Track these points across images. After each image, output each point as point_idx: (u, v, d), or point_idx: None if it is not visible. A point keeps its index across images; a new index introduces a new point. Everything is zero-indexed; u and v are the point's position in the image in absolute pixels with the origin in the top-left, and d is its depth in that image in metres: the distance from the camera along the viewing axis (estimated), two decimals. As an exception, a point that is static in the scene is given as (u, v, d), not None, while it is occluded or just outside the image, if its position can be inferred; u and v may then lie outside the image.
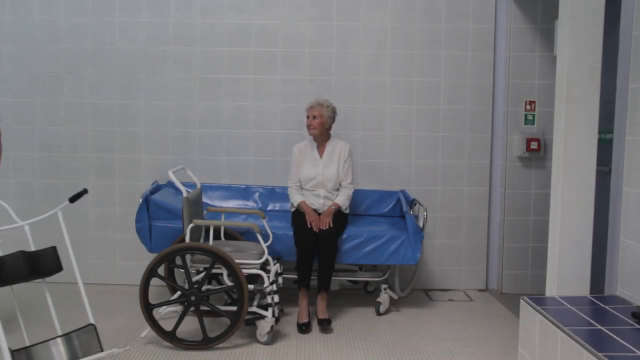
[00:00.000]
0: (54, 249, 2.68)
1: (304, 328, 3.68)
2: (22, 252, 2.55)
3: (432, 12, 4.55)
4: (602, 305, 2.67)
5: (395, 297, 4.15)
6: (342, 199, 4.05)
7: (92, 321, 2.66)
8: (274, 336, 3.56)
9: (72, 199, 2.82)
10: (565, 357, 2.30)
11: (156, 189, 4.23)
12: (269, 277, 3.53)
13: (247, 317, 3.43)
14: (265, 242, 3.68)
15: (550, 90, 4.26)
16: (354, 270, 4.20)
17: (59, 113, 4.59)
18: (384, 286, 4.08)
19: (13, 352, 2.39)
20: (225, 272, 3.43)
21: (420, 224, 3.99)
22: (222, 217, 4.00)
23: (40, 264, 2.62)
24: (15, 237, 2.89)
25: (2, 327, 2.37)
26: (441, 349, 3.46)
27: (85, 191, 2.88)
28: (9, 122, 4.55)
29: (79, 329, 2.62)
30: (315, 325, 3.76)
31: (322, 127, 4.06)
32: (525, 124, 4.55)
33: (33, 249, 2.68)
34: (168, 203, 4.03)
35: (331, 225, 3.84)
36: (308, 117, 4.05)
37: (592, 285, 2.89)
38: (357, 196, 4.42)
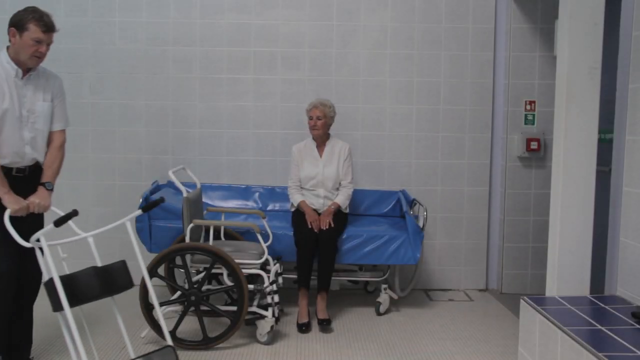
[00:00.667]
0: (123, 263, 2.56)
1: (303, 328, 3.68)
2: (94, 268, 2.45)
3: (432, 12, 4.55)
4: (602, 305, 2.67)
5: (395, 297, 4.15)
6: (342, 199, 4.05)
7: (170, 343, 2.58)
8: (274, 336, 3.56)
9: (145, 209, 2.71)
10: (565, 357, 2.30)
11: (156, 189, 4.23)
12: (269, 277, 3.53)
13: (247, 317, 3.43)
14: (265, 242, 3.68)
15: (550, 90, 4.26)
16: (354, 270, 4.20)
17: (59, 113, 4.58)
18: (384, 286, 4.08)
19: None
20: (225, 272, 3.43)
21: (420, 224, 3.99)
22: (222, 217, 4.00)
23: (112, 280, 2.49)
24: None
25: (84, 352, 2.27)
26: (441, 349, 3.46)
27: (162, 200, 2.75)
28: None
29: (157, 350, 2.53)
30: (315, 325, 3.76)
31: (325, 128, 4.08)
32: (525, 124, 4.55)
33: (99, 261, 2.56)
34: (168, 203, 4.02)
35: (332, 225, 3.84)
36: (312, 117, 4.05)
37: (592, 285, 2.89)
38: (357, 196, 4.42)
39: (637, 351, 2.10)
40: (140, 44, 4.55)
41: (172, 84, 4.59)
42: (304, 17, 4.55)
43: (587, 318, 2.49)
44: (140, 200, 3.96)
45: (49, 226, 2.40)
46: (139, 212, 2.70)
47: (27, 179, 2.89)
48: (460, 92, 4.59)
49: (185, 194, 3.53)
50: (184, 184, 3.71)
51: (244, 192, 4.56)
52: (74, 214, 2.50)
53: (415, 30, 4.56)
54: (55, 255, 2.45)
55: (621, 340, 2.21)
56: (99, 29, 4.53)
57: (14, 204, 2.72)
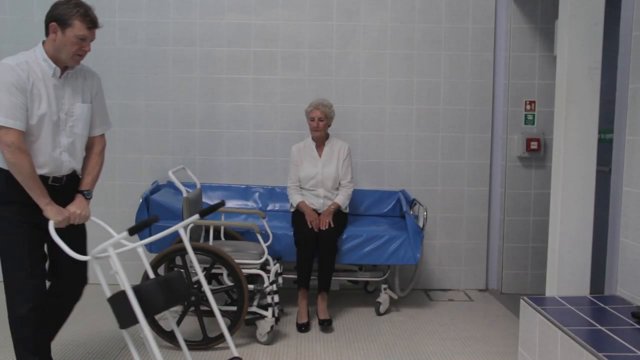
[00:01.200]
0: (180, 273, 2.48)
1: (303, 328, 3.68)
2: (156, 279, 2.33)
3: (432, 12, 4.55)
4: (602, 305, 2.67)
5: (395, 297, 4.15)
6: (342, 199, 4.05)
7: (236, 354, 2.51)
8: (274, 336, 3.56)
9: (203, 213, 2.60)
10: (565, 357, 2.30)
11: (156, 189, 4.23)
12: (269, 277, 3.53)
13: (247, 317, 3.43)
14: (265, 242, 3.68)
15: (550, 90, 4.26)
16: (354, 270, 4.20)
17: (59, 113, 4.58)
18: (384, 286, 4.08)
19: None
20: (225, 272, 3.43)
21: (420, 224, 3.99)
22: (222, 217, 4.00)
23: (173, 291, 2.37)
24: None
25: None
26: (441, 349, 3.46)
27: (222, 203, 2.65)
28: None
29: None
30: (315, 325, 3.77)
31: (326, 128, 4.08)
32: (525, 124, 4.55)
33: (151, 272, 2.48)
34: (168, 203, 4.03)
35: (332, 225, 3.84)
36: (313, 119, 4.04)
37: (592, 285, 2.89)
38: (357, 196, 4.42)
39: (637, 351, 2.10)
40: (140, 44, 4.55)
41: (172, 84, 4.58)
42: (304, 17, 4.55)
43: (587, 318, 2.49)
44: (140, 200, 3.97)
45: (122, 234, 2.22)
46: (197, 216, 2.65)
47: (64, 188, 2.62)
48: (460, 92, 4.59)
49: (185, 194, 3.53)
50: (184, 184, 3.71)
51: (244, 192, 4.56)
52: (153, 220, 2.33)
53: (415, 30, 4.56)
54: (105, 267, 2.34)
55: (621, 340, 2.21)
56: (99, 29, 4.52)
57: (57, 215, 2.49)
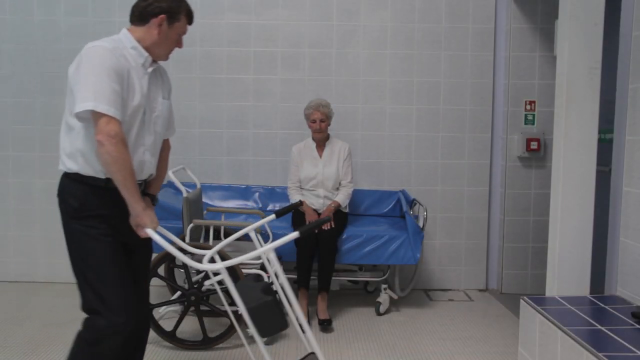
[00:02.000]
0: (260, 276, 2.37)
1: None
2: (267, 284, 2.18)
3: (432, 12, 4.55)
4: (602, 305, 2.67)
5: (395, 297, 4.15)
6: (342, 198, 4.05)
7: (310, 350, 2.46)
8: (274, 336, 3.56)
9: (279, 213, 2.49)
10: (565, 357, 2.30)
11: (156, 189, 4.23)
12: (268, 277, 3.53)
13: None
14: (265, 242, 3.68)
15: (550, 90, 4.27)
16: (354, 270, 4.20)
17: (59, 113, 4.57)
18: (384, 286, 4.08)
19: None
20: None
21: (420, 224, 3.99)
22: (222, 217, 4.00)
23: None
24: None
25: None
26: (441, 349, 3.46)
27: (300, 203, 2.60)
28: (8, 122, 4.55)
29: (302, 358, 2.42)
30: (315, 325, 3.77)
31: (327, 128, 4.09)
32: (525, 124, 4.55)
33: (229, 281, 2.24)
34: (168, 203, 4.03)
35: (333, 225, 3.84)
36: (314, 121, 4.04)
37: (592, 285, 2.89)
38: (357, 196, 4.42)
39: (637, 351, 2.11)
40: (140, 44, 4.54)
41: (172, 84, 4.56)
42: (304, 17, 4.55)
43: (587, 318, 2.49)
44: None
45: (292, 234, 2.05)
46: (272, 216, 2.61)
47: None
48: (460, 92, 4.59)
49: (185, 194, 3.53)
50: (184, 184, 3.71)
51: (244, 192, 4.57)
52: (324, 219, 2.19)
53: (415, 30, 4.56)
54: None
55: (621, 340, 2.21)
56: (99, 29, 4.53)
57: (153, 222, 2.17)
